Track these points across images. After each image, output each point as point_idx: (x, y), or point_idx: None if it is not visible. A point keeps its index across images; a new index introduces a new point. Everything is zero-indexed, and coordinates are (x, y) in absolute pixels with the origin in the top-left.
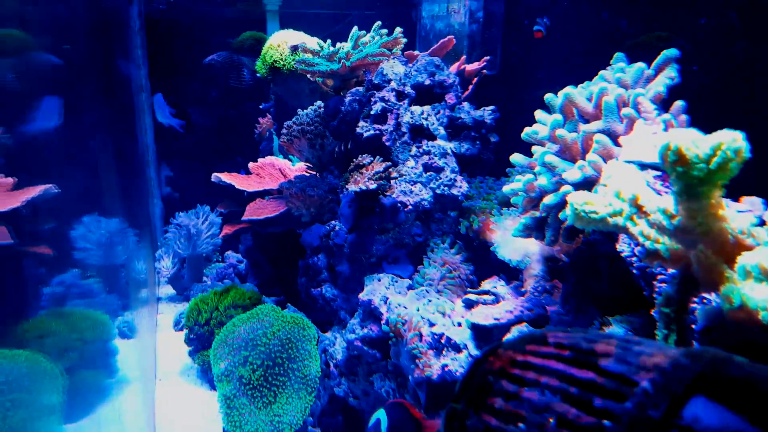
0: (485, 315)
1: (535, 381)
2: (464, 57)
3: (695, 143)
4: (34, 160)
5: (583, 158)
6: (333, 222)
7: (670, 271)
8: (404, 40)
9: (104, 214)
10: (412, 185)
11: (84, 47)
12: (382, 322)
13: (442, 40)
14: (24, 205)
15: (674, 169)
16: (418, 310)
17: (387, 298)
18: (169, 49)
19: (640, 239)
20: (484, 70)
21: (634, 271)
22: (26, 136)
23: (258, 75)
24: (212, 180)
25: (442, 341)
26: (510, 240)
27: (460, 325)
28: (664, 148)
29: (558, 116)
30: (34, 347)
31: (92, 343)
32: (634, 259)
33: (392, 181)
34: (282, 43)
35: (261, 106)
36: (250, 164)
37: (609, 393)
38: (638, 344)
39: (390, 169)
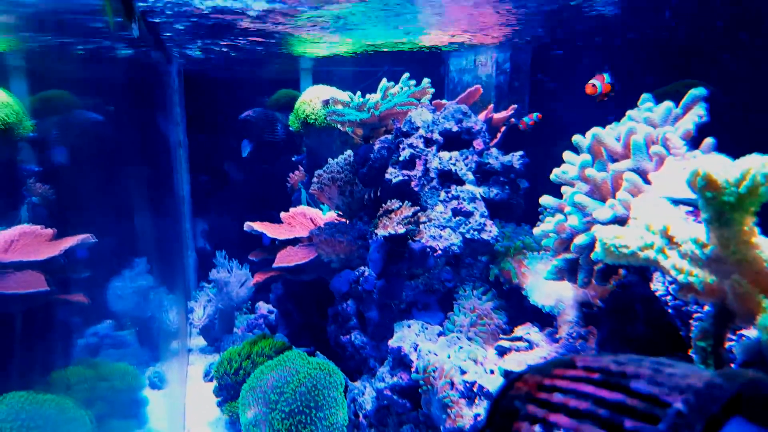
0: (519, 362)
1: (562, 404)
2: (491, 105)
3: (724, 168)
4: (75, 211)
5: (614, 197)
6: (362, 268)
7: (706, 308)
8: (432, 90)
9: (140, 265)
10: (441, 230)
11: (127, 106)
12: (413, 369)
13: (469, 89)
14: (62, 254)
15: (703, 194)
16: (449, 357)
17: (417, 345)
18: (206, 105)
19: (673, 272)
20: (512, 119)
21: (670, 311)
22: (69, 188)
23: (291, 129)
24: (245, 229)
25: (474, 389)
26: (542, 284)
27: (492, 372)
28: (693, 174)
29: (587, 156)
30: (64, 394)
31: (122, 392)
32: (669, 297)
33: (421, 226)
34: (314, 98)
35: (293, 159)
36: (282, 214)
37: (640, 415)
38: (670, 366)
39: (419, 214)
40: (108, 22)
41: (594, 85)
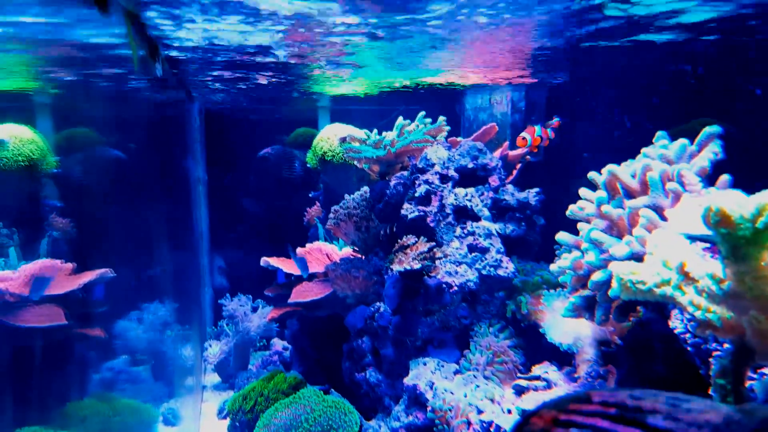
0: (537, 401)
1: None
2: (507, 143)
3: (739, 204)
4: (95, 246)
5: (630, 234)
6: (378, 303)
7: (726, 346)
8: (447, 127)
9: (157, 300)
10: (457, 266)
11: (149, 143)
12: (428, 408)
13: (484, 127)
14: (80, 288)
15: (718, 230)
16: (465, 396)
17: (433, 383)
18: (226, 143)
19: (690, 309)
20: (528, 156)
21: (689, 349)
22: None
23: (308, 166)
24: (261, 264)
25: (492, 429)
26: (560, 322)
27: (510, 412)
28: (707, 209)
29: (602, 193)
30: (78, 428)
31: (136, 428)
32: (688, 335)
33: (437, 262)
34: (332, 136)
35: (310, 195)
36: (298, 249)
37: None
38: (687, 401)
39: (434, 250)
40: (132, 61)
41: (524, 138)
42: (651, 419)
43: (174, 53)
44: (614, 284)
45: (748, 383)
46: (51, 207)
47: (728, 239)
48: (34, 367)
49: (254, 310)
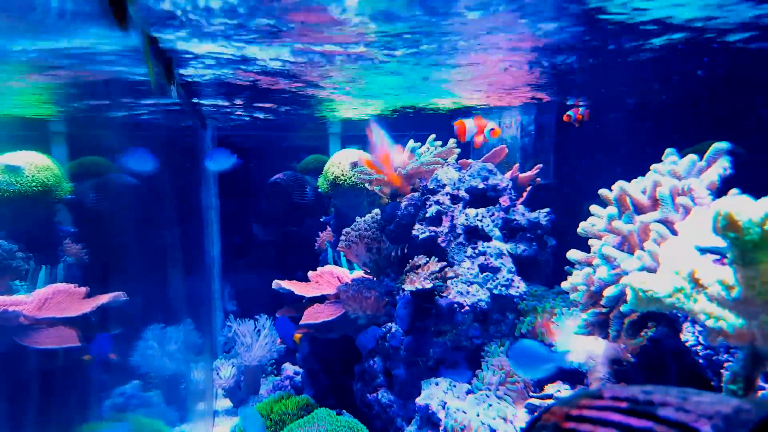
0: None
1: None
2: (517, 165)
3: (747, 208)
4: (108, 271)
5: (641, 248)
6: (389, 324)
7: (737, 356)
8: (458, 150)
9: (169, 325)
10: (468, 286)
11: (162, 169)
12: (441, 428)
13: (494, 149)
14: (93, 312)
15: (727, 234)
16: (478, 416)
17: (445, 403)
18: (238, 169)
19: (702, 317)
20: (538, 179)
21: (701, 361)
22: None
23: (320, 190)
24: (273, 287)
25: None
26: (572, 340)
27: (522, 430)
28: (716, 214)
29: (613, 209)
30: None
31: None
32: (700, 347)
33: (448, 282)
34: (343, 160)
35: (322, 219)
36: (310, 273)
37: None
38: (698, 395)
39: (446, 270)
40: (150, 83)
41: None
42: (662, 411)
43: (188, 76)
44: (629, 296)
45: (760, 393)
46: (65, 233)
47: (737, 244)
48: (48, 386)
49: (258, 333)
